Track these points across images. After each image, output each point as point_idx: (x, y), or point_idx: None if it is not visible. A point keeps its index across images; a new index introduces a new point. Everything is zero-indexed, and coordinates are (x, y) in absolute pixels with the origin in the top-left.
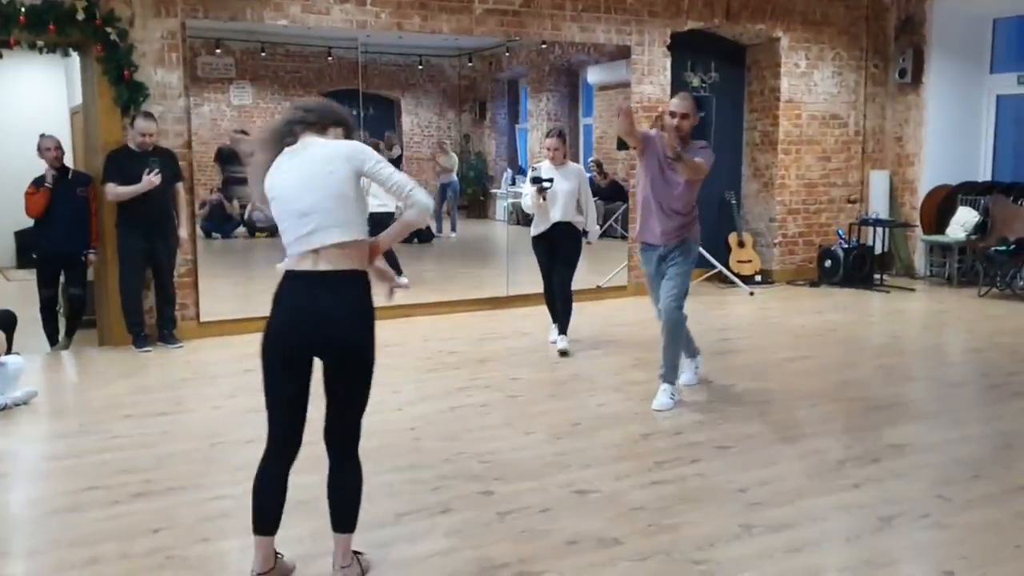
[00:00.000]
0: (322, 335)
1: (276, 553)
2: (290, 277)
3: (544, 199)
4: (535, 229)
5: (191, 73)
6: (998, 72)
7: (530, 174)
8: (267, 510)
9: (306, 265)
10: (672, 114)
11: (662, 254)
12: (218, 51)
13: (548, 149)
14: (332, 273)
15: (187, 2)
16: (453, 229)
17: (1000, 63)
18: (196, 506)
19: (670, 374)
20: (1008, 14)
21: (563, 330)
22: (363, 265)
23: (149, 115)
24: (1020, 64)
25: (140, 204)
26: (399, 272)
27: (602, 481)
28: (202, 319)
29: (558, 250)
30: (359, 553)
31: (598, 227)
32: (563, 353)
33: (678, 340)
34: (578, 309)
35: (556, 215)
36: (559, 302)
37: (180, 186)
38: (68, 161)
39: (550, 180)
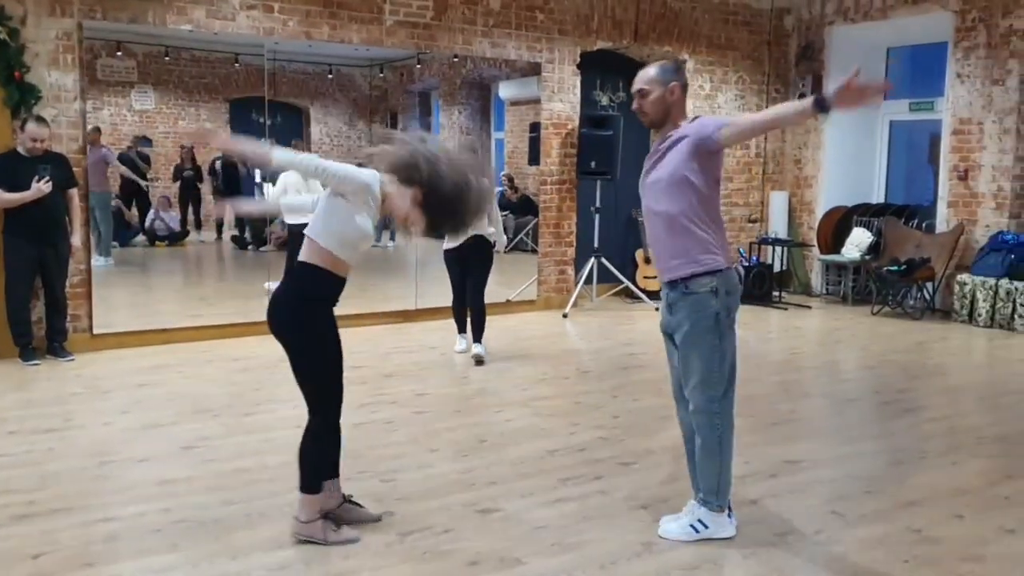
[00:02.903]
0: None
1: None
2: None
3: None
4: (449, 243)
5: (90, 75)
6: (892, 99)
7: None
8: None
9: None
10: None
11: (668, 302)
12: (119, 53)
13: None
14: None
15: (84, 2)
16: (392, 238)
17: (894, 90)
18: (82, 529)
19: (706, 494)
20: (901, 43)
21: (478, 339)
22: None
23: (42, 120)
24: (912, 91)
25: (29, 210)
26: None
27: (506, 499)
28: (95, 331)
29: (471, 263)
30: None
31: (506, 238)
32: (479, 361)
33: (708, 451)
34: (487, 323)
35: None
36: (473, 313)
37: (74, 192)
38: None
39: None
